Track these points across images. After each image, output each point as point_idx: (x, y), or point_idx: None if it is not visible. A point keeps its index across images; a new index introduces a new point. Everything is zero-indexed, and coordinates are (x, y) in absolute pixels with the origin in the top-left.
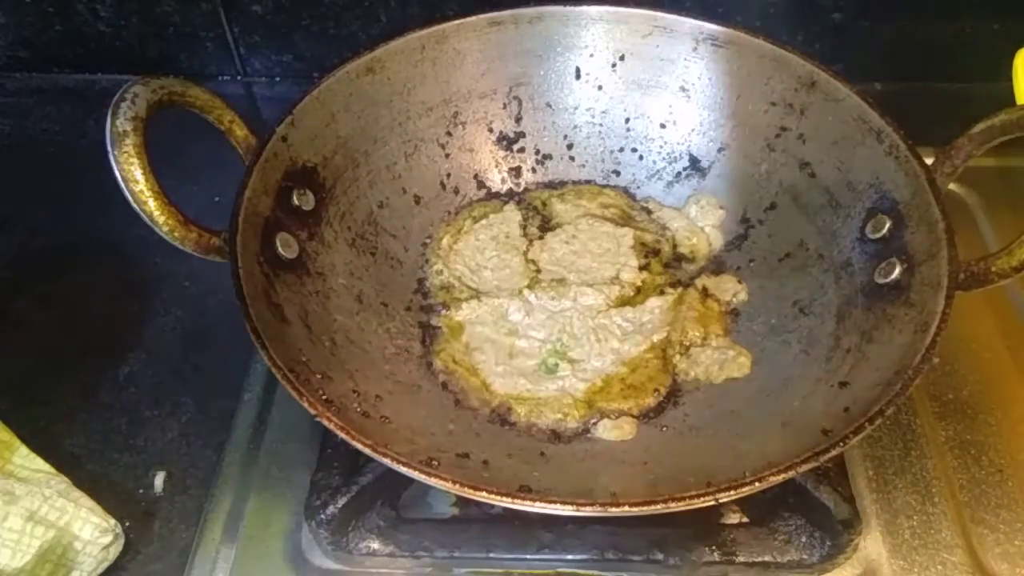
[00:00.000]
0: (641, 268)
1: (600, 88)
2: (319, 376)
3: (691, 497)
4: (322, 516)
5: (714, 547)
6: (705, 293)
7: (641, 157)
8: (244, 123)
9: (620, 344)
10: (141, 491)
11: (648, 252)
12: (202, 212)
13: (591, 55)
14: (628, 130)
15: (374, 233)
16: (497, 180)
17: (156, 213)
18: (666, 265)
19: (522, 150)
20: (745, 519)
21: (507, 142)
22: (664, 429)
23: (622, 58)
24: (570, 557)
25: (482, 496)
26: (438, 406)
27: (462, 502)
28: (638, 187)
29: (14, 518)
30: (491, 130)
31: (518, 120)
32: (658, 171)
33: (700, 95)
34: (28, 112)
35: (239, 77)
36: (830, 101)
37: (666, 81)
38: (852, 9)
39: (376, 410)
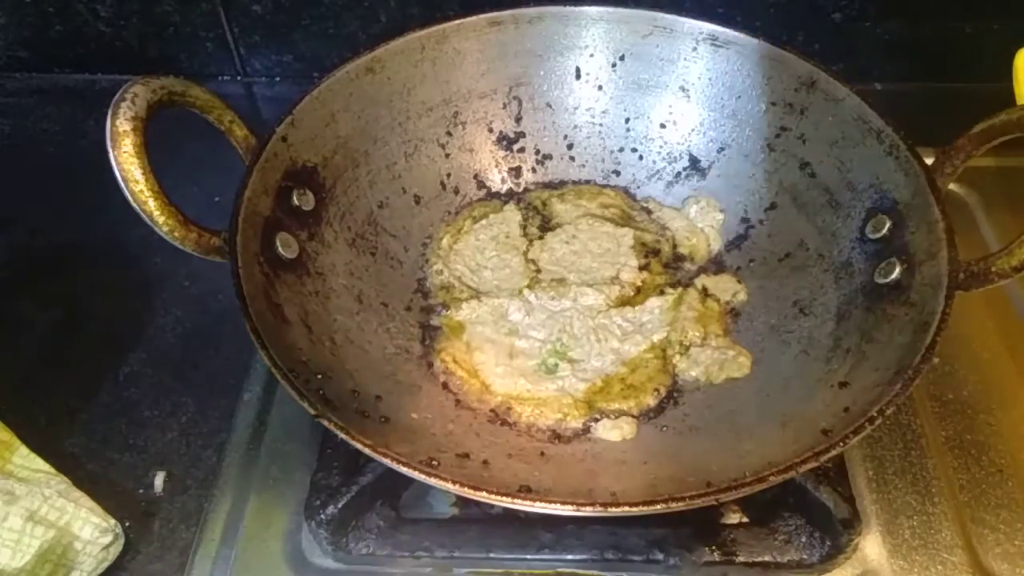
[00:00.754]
0: (641, 268)
1: (600, 88)
2: (319, 376)
3: (691, 497)
4: (322, 516)
5: (714, 547)
6: (705, 293)
7: (641, 157)
8: (244, 123)
9: (620, 344)
10: (141, 491)
11: (648, 252)
12: (202, 212)
13: (591, 55)
14: (628, 130)
15: (374, 233)
16: (497, 180)
17: (156, 213)
18: (666, 265)
19: (522, 150)
20: (745, 519)
21: (507, 142)
22: (664, 429)
23: (622, 58)
24: (570, 557)
25: (482, 496)
26: (438, 406)
27: (462, 502)
28: (638, 187)
29: (14, 518)
30: (491, 130)
31: (518, 120)
32: (658, 171)
33: (700, 95)
34: (28, 112)
35: (239, 77)
36: (830, 101)
37: (666, 81)
38: (852, 9)
39: (376, 410)
